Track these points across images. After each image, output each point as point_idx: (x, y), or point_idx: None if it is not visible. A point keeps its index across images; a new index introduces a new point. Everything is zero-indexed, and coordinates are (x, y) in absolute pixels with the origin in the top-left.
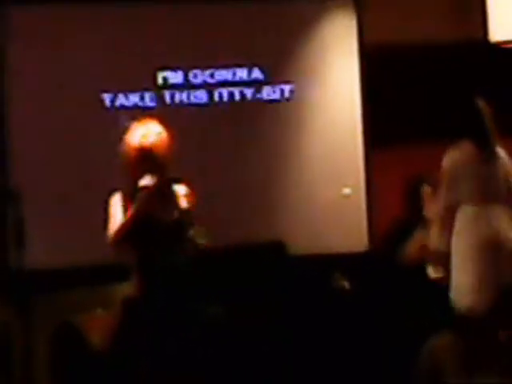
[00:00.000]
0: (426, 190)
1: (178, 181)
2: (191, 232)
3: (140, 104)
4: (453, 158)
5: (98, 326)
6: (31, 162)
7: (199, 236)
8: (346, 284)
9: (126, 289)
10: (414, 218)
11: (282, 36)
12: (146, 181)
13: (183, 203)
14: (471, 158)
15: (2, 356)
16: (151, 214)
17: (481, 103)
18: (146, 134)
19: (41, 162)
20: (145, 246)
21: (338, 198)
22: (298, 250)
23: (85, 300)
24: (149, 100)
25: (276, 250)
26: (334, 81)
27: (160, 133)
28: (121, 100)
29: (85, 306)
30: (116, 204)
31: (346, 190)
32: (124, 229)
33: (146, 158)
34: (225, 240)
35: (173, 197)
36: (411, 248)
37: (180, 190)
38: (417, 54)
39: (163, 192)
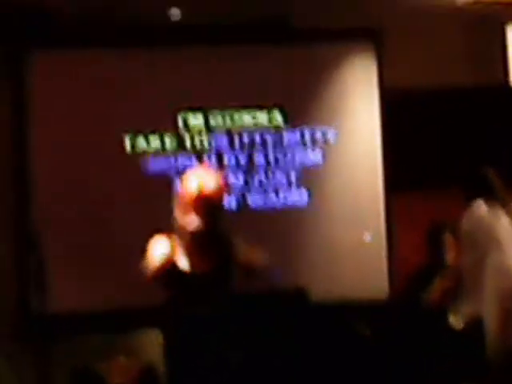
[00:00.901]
0: (448, 237)
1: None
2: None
3: (160, 147)
4: (469, 219)
5: (119, 372)
6: (53, 206)
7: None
8: (367, 331)
9: (147, 336)
10: (435, 265)
11: (302, 79)
12: (192, 226)
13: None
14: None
15: None
16: (191, 259)
17: (491, 173)
18: (203, 180)
19: (62, 205)
20: (178, 290)
21: (359, 243)
22: (319, 296)
23: (106, 346)
24: (169, 143)
25: (297, 296)
26: (355, 124)
27: (216, 179)
28: (141, 143)
29: (106, 353)
30: (156, 245)
31: (367, 236)
32: (163, 267)
33: (202, 204)
34: (246, 287)
35: (214, 245)
36: (432, 295)
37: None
38: (437, 98)
39: (205, 239)
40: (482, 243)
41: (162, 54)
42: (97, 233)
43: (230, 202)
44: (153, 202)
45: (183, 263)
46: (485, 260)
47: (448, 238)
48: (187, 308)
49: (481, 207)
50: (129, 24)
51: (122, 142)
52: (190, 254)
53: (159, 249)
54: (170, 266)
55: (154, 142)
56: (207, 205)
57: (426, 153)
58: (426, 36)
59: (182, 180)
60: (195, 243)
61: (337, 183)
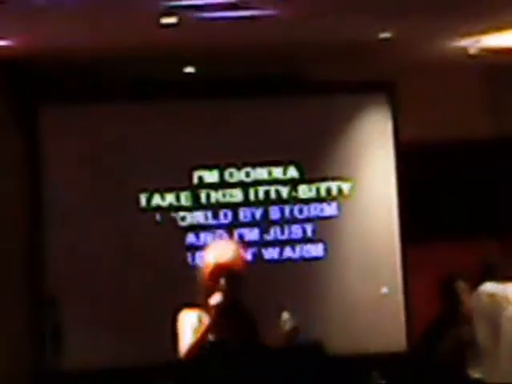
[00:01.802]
0: (461, 285)
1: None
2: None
3: (175, 204)
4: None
5: None
6: (69, 263)
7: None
8: (384, 383)
9: None
10: (449, 316)
11: (317, 132)
12: (216, 299)
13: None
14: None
15: None
16: (220, 334)
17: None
18: (223, 251)
19: (79, 263)
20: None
21: (376, 297)
22: (337, 349)
23: None
24: (184, 199)
25: (314, 349)
26: (370, 176)
27: (236, 250)
28: (156, 200)
29: None
30: (185, 321)
31: (384, 289)
32: (194, 349)
33: (223, 276)
34: (264, 340)
35: (238, 317)
36: (447, 346)
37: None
38: (453, 150)
39: (230, 311)
40: (494, 316)
41: (176, 109)
42: (111, 289)
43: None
44: (167, 259)
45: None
46: (499, 332)
47: (461, 286)
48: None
49: (488, 286)
50: (143, 80)
51: (137, 199)
52: (215, 327)
53: (189, 325)
54: (200, 343)
55: (170, 198)
56: (227, 275)
57: (440, 204)
58: (441, 87)
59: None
60: (219, 316)
61: (353, 235)
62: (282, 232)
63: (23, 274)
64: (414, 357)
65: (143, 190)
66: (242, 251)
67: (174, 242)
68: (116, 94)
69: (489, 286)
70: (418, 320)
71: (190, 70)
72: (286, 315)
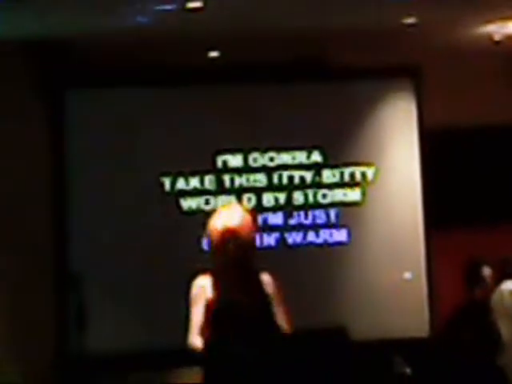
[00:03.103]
0: (486, 271)
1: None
2: None
3: (199, 188)
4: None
5: None
6: (92, 247)
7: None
8: (408, 369)
9: (186, 375)
10: (475, 302)
11: (341, 118)
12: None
13: (266, 290)
14: None
15: None
16: (233, 300)
17: None
18: (230, 216)
19: (102, 246)
20: (223, 331)
21: (400, 282)
22: (360, 335)
23: None
24: (208, 184)
25: (338, 335)
26: (394, 162)
27: (243, 215)
28: (180, 184)
29: None
30: (198, 295)
31: (407, 275)
32: (206, 324)
33: (231, 240)
34: None
35: (255, 284)
36: (472, 332)
37: (263, 278)
38: (477, 135)
39: (245, 280)
40: None
41: (201, 94)
42: (136, 272)
43: (269, 240)
44: (191, 242)
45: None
46: None
47: (487, 273)
48: (229, 346)
49: (509, 284)
50: (168, 64)
51: (160, 182)
52: (228, 291)
53: (199, 306)
54: (213, 306)
55: (194, 182)
56: (232, 241)
57: (465, 189)
58: (465, 72)
59: (211, 220)
60: (230, 279)
61: (376, 220)
62: (306, 217)
63: (48, 256)
64: (438, 342)
65: (167, 174)
66: (249, 218)
67: (198, 226)
68: (142, 78)
69: (510, 284)
70: (442, 305)
71: (214, 54)
72: None
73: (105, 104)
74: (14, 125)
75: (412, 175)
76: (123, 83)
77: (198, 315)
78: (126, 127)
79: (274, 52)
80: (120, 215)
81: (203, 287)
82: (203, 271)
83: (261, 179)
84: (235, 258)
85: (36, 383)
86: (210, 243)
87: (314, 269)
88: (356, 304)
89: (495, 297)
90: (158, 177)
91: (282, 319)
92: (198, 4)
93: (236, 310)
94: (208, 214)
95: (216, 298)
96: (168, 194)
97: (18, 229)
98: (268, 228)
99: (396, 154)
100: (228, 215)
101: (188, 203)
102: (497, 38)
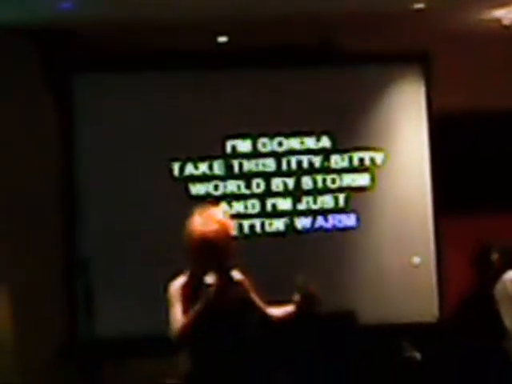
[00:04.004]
0: (496, 257)
1: (235, 266)
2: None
3: (208, 173)
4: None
5: None
6: (100, 233)
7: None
8: (417, 354)
9: None
10: (485, 287)
11: (350, 102)
12: (211, 278)
13: (239, 290)
14: None
15: None
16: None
17: None
18: (207, 222)
19: (110, 232)
20: (204, 338)
21: (408, 267)
22: (369, 319)
23: (153, 370)
24: (217, 169)
25: (347, 319)
26: (403, 147)
27: (222, 220)
28: (189, 169)
29: (153, 377)
30: (176, 295)
31: (416, 260)
32: (190, 326)
33: (207, 246)
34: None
35: (232, 289)
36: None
37: (236, 275)
38: (487, 120)
39: (225, 286)
40: None
41: (210, 79)
42: (143, 257)
43: (278, 225)
44: None
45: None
46: None
47: (496, 258)
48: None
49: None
50: (178, 49)
51: (170, 167)
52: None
53: (177, 305)
54: (193, 324)
55: (203, 167)
56: (209, 248)
57: (474, 174)
58: (474, 57)
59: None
60: (217, 295)
61: (385, 205)
62: (315, 202)
63: (56, 240)
64: (446, 327)
65: (176, 159)
66: (226, 223)
67: None
68: (150, 63)
69: None
70: (450, 290)
71: (223, 39)
72: (300, 279)
73: (114, 89)
74: (22, 111)
75: (421, 160)
76: (132, 68)
77: (177, 314)
78: (135, 113)
79: (282, 37)
80: (129, 201)
81: (179, 288)
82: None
83: (269, 164)
84: (212, 265)
85: (45, 368)
86: (188, 249)
87: (322, 254)
88: (365, 289)
89: (498, 287)
90: (167, 162)
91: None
92: None
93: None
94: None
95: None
96: (177, 179)
97: (27, 215)
98: (277, 213)
99: (405, 138)
100: (205, 221)
101: (197, 188)
102: (506, 22)
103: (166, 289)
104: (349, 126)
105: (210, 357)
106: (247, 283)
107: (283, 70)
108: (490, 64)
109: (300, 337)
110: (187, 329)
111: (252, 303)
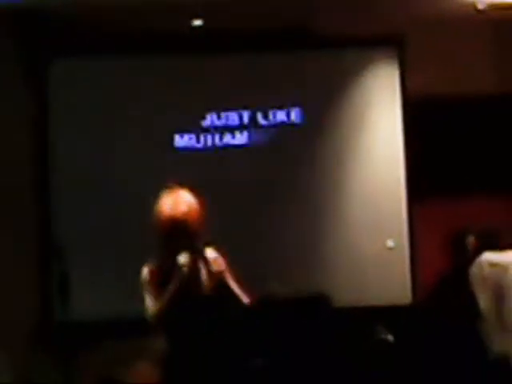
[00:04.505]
0: (472, 241)
1: (208, 244)
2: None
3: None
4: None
5: (141, 378)
6: (76, 218)
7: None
8: (390, 337)
9: None
10: (459, 270)
11: (324, 86)
12: (184, 258)
13: (213, 268)
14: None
15: None
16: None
17: None
18: (176, 203)
19: (85, 217)
20: (180, 320)
21: (382, 250)
22: (342, 302)
23: (129, 352)
24: (195, 142)
25: (319, 302)
26: (376, 130)
27: (190, 201)
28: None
29: (128, 359)
30: (149, 281)
31: (390, 243)
32: (165, 308)
33: (178, 229)
34: (268, 292)
35: (205, 268)
36: (456, 300)
37: (210, 254)
38: (460, 104)
39: (197, 265)
40: (497, 286)
41: (185, 62)
42: (120, 241)
43: None
44: None
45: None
46: (502, 301)
47: (471, 242)
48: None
49: (489, 255)
50: (152, 32)
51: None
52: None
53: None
54: (167, 306)
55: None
56: (179, 229)
57: (448, 158)
58: (449, 42)
59: (157, 206)
60: (186, 277)
61: (359, 189)
62: None
63: (32, 226)
64: (419, 310)
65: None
66: (196, 203)
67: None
68: (124, 47)
69: (489, 256)
70: (424, 273)
71: (198, 23)
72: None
73: (89, 74)
74: None
75: (395, 144)
76: (107, 52)
77: (152, 298)
78: (110, 97)
79: (257, 21)
80: (104, 187)
81: (152, 272)
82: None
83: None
84: (184, 245)
85: (20, 352)
86: (158, 231)
87: (295, 237)
88: (338, 271)
89: (474, 269)
90: (143, 147)
91: (240, 292)
92: None
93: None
94: None
95: (171, 297)
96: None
97: (2, 200)
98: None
99: (379, 122)
100: (174, 202)
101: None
102: (480, 6)
103: (139, 273)
104: (323, 109)
105: (185, 339)
106: (221, 262)
107: (258, 55)
108: (464, 48)
109: (272, 319)
110: (162, 311)
111: (226, 283)
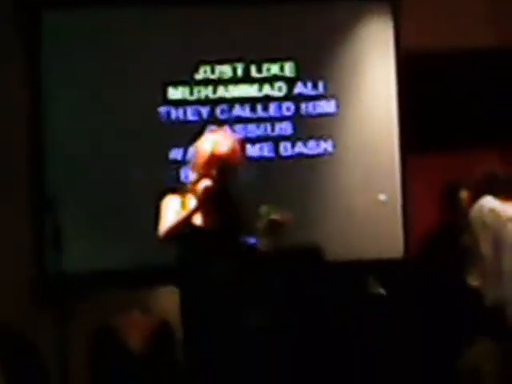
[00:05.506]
0: (464, 194)
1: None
2: (265, 209)
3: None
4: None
5: (136, 327)
6: (69, 169)
7: (272, 212)
8: (382, 290)
9: (163, 293)
10: (451, 224)
11: (317, 35)
12: (205, 183)
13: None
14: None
15: (41, 360)
16: (202, 218)
17: None
18: (219, 142)
19: (79, 168)
20: (190, 249)
21: (374, 203)
22: (334, 255)
23: (122, 303)
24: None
25: (312, 255)
26: (370, 83)
27: (233, 142)
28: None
29: (122, 309)
30: (168, 204)
31: (382, 196)
32: (177, 226)
33: (216, 166)
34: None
35: (225, 205)
36: (447, 253)
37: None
38: (455, 57)
39: (215, 198)
40: (496, 230)
41: (180, 13)
42: (112, 192)
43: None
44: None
45: (195, 221)
46: (500, 247)
47: (464, 196)
48: (202, 266)
49: (490, 200)
50: None
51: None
52: (201, 213)
53: (172, 209)
54: (182, 225)
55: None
56: (219, 165)
57: (443, 112)
58: None
59: (198, 141)
60: (206, 202)
61: (351, 143)
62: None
63: (24, 177)
64: (412, 263)
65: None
66: (239, 144)
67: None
68: None
69: (490, 201)
70: (416, 227)
71: None
72: (264, 209)
73: (84, 25)
74: None
75: (388, 97)
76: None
77: (169, 216)
78: (105, 50)
79: None
80: (97, 138)
81: (173, 203)
82: (172, 190)
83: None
84: (217, 181)
85: (13, 303)
86: (194, 163)
87: (288, 190)
88: (330, 224)
89: (474, 212)
90: (139, 100)
91: None
92: None
93: (206, 234)
94: None
95: (187, 217)
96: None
97: None
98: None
99: (372, 76)
100: (218, 140)
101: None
102: None
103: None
104: (316, 57)
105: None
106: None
107: (248, 7)
108: (459, 3)
109: (264, 271)
110: (174, 229)
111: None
